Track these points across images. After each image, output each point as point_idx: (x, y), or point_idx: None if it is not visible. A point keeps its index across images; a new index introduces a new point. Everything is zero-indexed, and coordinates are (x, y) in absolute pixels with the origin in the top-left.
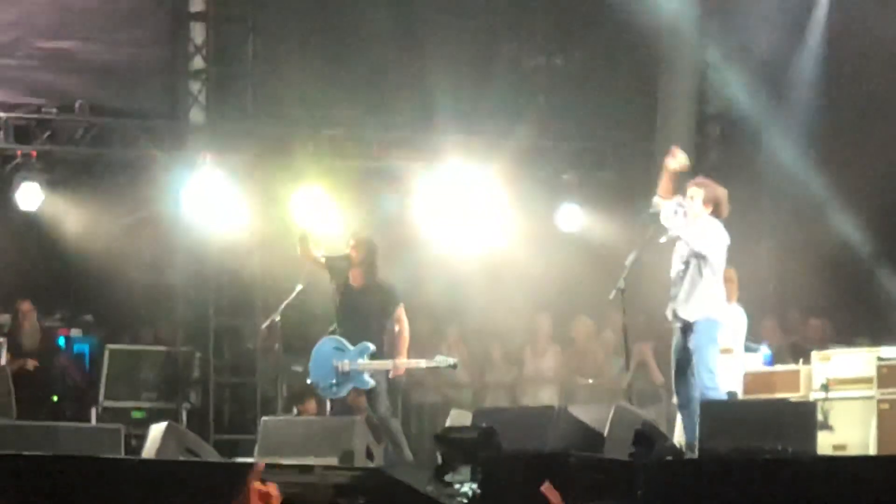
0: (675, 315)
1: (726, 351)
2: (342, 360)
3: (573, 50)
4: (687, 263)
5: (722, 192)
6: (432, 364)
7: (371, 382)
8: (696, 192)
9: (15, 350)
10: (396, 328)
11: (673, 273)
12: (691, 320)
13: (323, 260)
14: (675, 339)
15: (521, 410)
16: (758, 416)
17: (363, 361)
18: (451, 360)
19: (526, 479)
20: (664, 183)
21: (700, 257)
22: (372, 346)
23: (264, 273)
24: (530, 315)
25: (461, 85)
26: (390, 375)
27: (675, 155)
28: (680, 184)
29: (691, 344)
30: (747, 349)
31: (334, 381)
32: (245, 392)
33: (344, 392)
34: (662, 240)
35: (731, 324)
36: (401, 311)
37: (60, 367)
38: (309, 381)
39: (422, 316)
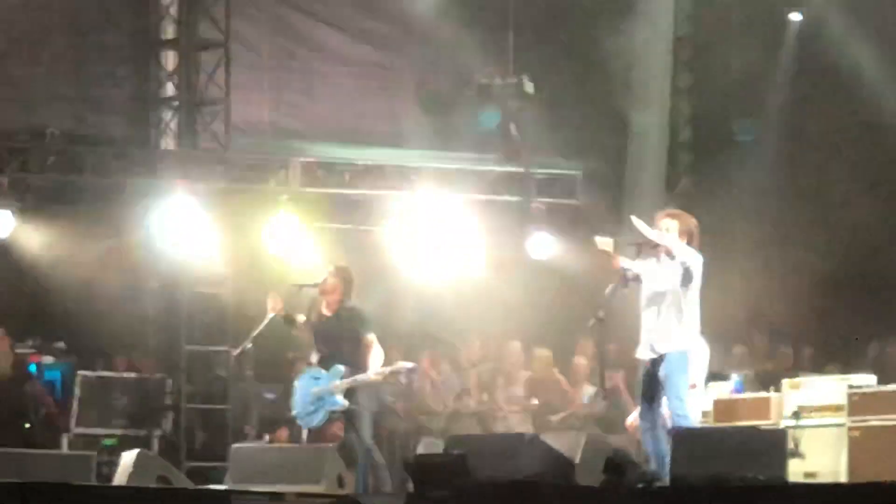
0: (650, 347)
1: (689, 386)
2: (317, 386)
3: (544, 77)
4: (662, 294)
5: (694, 223)
6: (394, 368)
7: (342, 402)
8: (671, 224)
9: None
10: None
11: (645, 304)
12: (665, 352)
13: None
14: (644, 367)
15: (492, 438)
16: (729, 444)
17: (335, 383)
18: (410, 364)
19: None
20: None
21: (680, 286)
22: (343, 368)
23: (236, 301)
24: (502, 343)
25: (431, 111)
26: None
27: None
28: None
29: (662, 373)
30: (717, 377)
31: (312, 408)
32: (216, 419)
33: (320, 417)
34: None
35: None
36: (371, 337)
37: (32, 394)
38: (293, 414)
39: (394, 343)
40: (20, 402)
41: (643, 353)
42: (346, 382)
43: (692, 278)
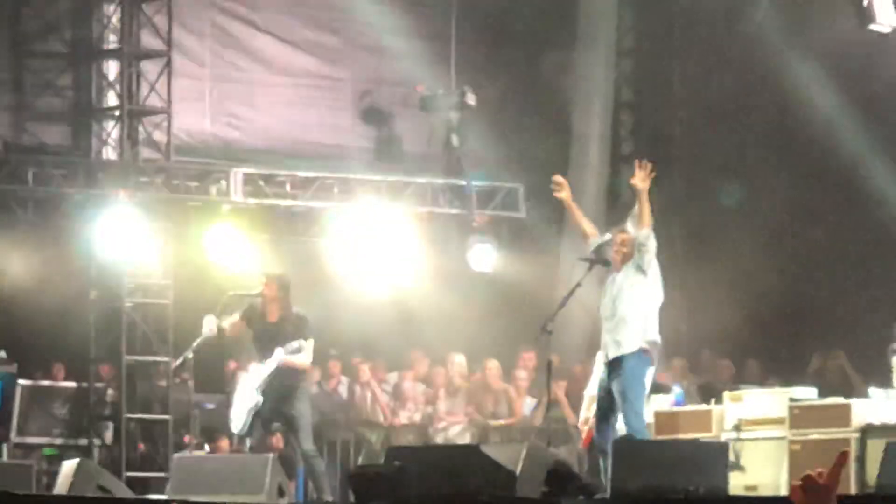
0: (610, 348)
1: None
2: (243, 391)
3: (486, 89)
4: (630, 295)
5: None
6: (287, 349)
7: (258, 399)
8: (628, 239)
9: None
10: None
11: (609, 306)
12: (623, 354)
13: (243, 322)
14: (601, 380)
15: (433, 449)
16: (670, 456)
17: (253, 383)
18: (295, 344)
19: None
20: (578, 218)
21: (638, 288)
22: (257, 366)
23: (177, 311)
24: (443, 354)
25: (373, 122)
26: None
27: (559, 183)
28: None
29: (618, 386)
30: (658, 389)
31: (240, 412)
32: (157, 429)
33: (244, 419)
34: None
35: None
36: (307, 344)
37: None
38: (235, 431)
39: (334, 354)
40: None
41: (602, 356)
42: (261, 377)
43: (648, 276)
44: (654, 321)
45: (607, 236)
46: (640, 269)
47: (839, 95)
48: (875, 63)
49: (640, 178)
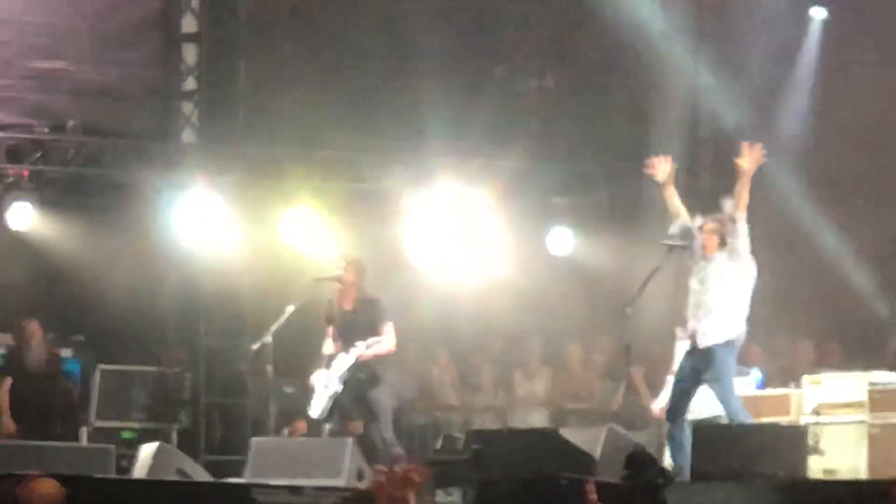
0: (701, 336)
1: None
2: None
3: (565, 72)
4: (718, 286)
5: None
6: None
7: (338, 387)
8: (718, 230)
9: (16, 371)
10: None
11: (698, 293)
12: (711, 345)
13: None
14: (681, 366)
15: (511, 433)
16: (749, 440)
17: (337, 369)
18: (371, 339)
19: (517, 502)
20: (670, 196)
21: (732, 274)
22: (342, 356)
23: (255, 294)
24: (521, 338)
25: (452, 107)
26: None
27: (654, 167)
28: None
29: (710, 374)
30: (738, 373)
31: (322, 398)
32: (235, 413)
33: (324, 403)
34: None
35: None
36: (387, 327)
37: (63, 389)
38: (315, 416)
39: (412, 339)
40: (52, 396)
41: (693, 339)
42: (343, 367)
43: (738, 263)
44: (744, 309)
45: (698, 221)
46: (731, 257)
47: None
48: None
49: (747, 161)
